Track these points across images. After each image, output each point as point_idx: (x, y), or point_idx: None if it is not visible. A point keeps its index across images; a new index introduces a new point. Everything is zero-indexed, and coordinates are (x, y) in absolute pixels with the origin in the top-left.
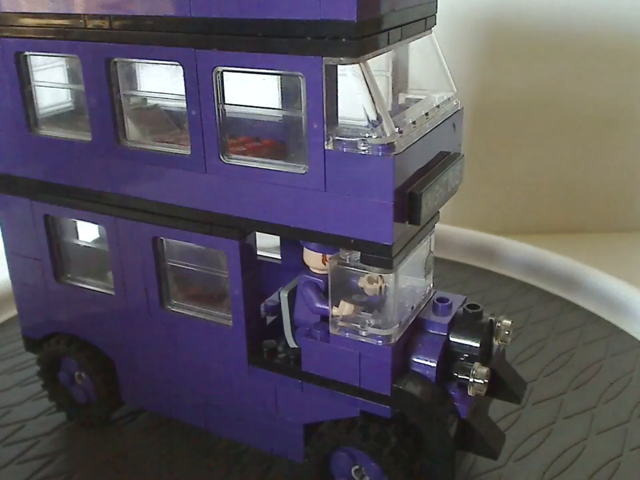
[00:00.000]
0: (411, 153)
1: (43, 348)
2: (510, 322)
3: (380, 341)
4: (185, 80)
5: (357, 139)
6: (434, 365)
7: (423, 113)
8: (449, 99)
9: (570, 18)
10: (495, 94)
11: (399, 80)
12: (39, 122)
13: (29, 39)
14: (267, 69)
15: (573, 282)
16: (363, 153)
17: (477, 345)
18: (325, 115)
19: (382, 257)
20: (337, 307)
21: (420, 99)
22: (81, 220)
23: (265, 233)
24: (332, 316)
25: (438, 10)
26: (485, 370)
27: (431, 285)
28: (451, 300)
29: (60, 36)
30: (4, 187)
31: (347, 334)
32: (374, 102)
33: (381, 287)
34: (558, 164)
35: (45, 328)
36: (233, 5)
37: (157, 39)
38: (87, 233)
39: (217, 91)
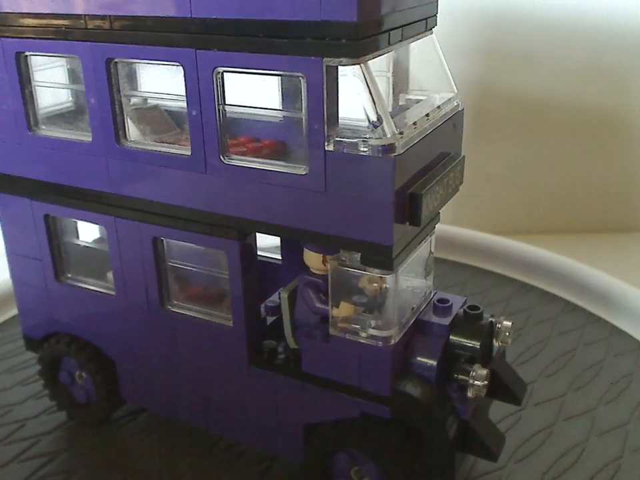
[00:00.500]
0: (412, 153)
1: (44, 347)
2: (510, 323)
3: (380, 342)
4: (185, 80)
5: (358, 139)
6: (434, 366)
7: (423, 114)
8: (449, 99)
9: (570, 18)
10: (495, 94)
11: (400, 81)
12: (40, 122)
13: (29, 39)
14: (268, 70)
15: (573, 282)
16: (363, 154)
17: (477, 346)
18: (325, 116)
19: (382, 258)
20: (337, 307)
21: (420, 100)
22: (81, 220)
23: (265, 233)
24: (332, 317)
25: (439, 10)
26: (485, 371)
27: (431, 285)
28: (451, 301)
29: (60, 36)
30: (4, 187)
31: (347, 335)
32: (374, 103)
33: (381, 288)
34: (558, 164)
35: (45, 327)
36: (234, 5)
37: (157, 39)
38: (87, 232)
39: (218, 91)
